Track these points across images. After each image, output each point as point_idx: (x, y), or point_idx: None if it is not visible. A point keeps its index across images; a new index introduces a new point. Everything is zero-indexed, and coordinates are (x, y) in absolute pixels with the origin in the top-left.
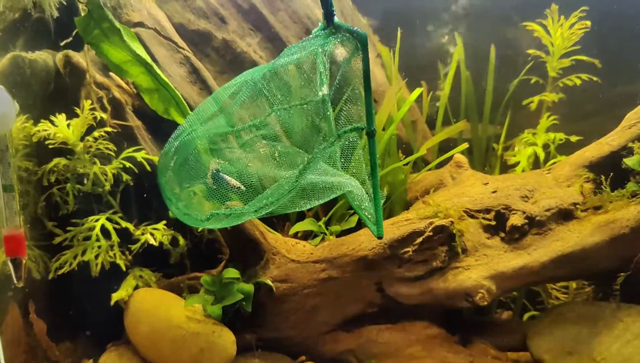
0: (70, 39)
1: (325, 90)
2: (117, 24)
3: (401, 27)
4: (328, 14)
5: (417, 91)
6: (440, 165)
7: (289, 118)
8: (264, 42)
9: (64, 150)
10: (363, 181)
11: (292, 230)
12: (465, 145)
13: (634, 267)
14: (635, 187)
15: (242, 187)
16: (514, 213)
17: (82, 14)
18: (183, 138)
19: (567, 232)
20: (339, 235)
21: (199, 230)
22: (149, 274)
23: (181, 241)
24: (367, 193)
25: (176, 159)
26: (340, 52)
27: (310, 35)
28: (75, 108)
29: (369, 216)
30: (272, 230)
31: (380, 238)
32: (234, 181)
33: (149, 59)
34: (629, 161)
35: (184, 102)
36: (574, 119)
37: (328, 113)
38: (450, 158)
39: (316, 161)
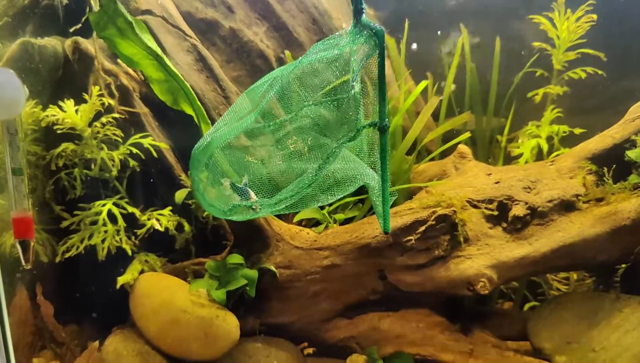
0: (80, 25)
1: (357, 87)
2: (130, 18)
3: (408, 18)
4: (357, 11)
5: (423, 84)
6: (443, 156)
7: (320, 114)
8: (271, 31)
9: (72, 135)
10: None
11: (297, 218)
12: (467, 134)
13: (634, 258)
14: (637, 179)
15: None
16: (517, 204)
17: (94, 5)
18: (217, 134)
19: (568, 223)
20: (343, 223)
21: (204, 215)
22: (154, 259)
23: (186, 227)
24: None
25: (209, 155)
26: (362, 50)
27: (337, 34)
28: (84, 94)
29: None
30: (276, 218)
31: (386, 233)
32: (253, 197)
33: (159, 51)
34: (631, 154)
35: (192, 92)
36: (578, 113)
37: (359, 109)
38: (454, 148)
39: (335, 155)
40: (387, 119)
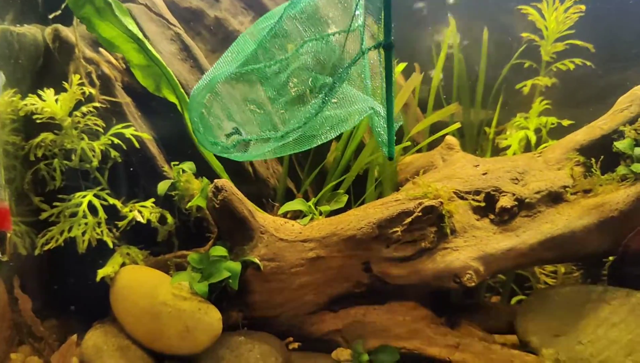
0: (59, 12)
1: (360, 20)
2: None
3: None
4: None
5: (401, 66)
6: (431, 148)
7: (322, 50)
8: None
9: (52, 125)
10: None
11: (282, 210)
12: (457, 125)
13: (622, 250)
14: (625, 171)
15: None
16: (504, 195)
17: None
18: (217, 71)
19: (556, 215)
20: (329, 215)
21: (187, 206)
22: (136, 251)
23: (169, 219)
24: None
25: (210, 92)
26: None
27: None
28: (64, 83)
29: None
30: (261, 210)
31: (390, 158)
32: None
33: (140, 35)
34: (619, 145)
35: (175, 79)
36: (566, 105)
37: (363, 37)
38: (441, 139)
39: (341, 80)
40: (392, 37)
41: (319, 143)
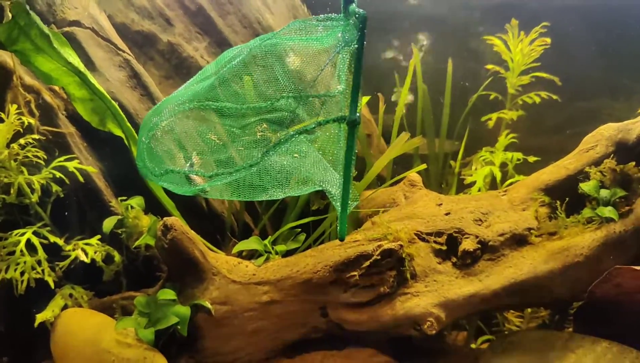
0: None
1: (341, 86)
2: (47, 30)
3: None
4: (347, 0)
5: (366, 98)
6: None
7: (298, 107)
8: (212, 46)
9: None
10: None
11: (236, 249)
12: (423, 166)
13: (587, 297)
14: (590, 213)
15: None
16: (467, 237)
17: (6, 15)
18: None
19: (520, 258)
20: (285, 254)
21: (134, 245)
22: (80, 292)
23: (117, 257)
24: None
25: (162, 121)
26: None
27: (321, 17)
28: (0, 113)
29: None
30: (214, 248)
31: (341, 239)
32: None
33: (82, 67)
34: (585, 187)
35: (121, 113)
36: (534, 134)
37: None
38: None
39: (283, 143)
40: (358, 113)
41: (263, 197)
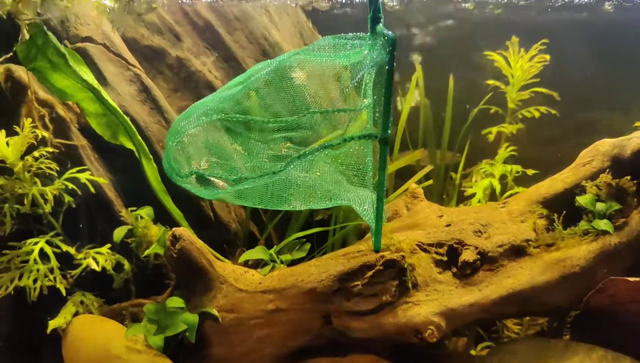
0: (12, 53)
1: (368, 100)
2: (63, 49)
3: None
4: (374, 19)
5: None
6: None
7: (322, 124)
8: (220, 61)
9: (3, 169)
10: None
11: (242, 258)
12: (429, 167)
13: (583, 307)
14: (587, 226)
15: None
16: (467, 248)
17: (23, 34)
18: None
19: (518, 269)
20: (290, 264)
21: (144, 254)
22: (91, 299)
23: (126, 265)
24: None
25: (190, 127)
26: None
27: (350, 35)
28: (15, 126)
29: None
30: (222, 257)
31: (376, 251)
32: (221, 184)
33: (96, 84)
34: (581, 200)
35: (132, 126)
36: (534, 145)
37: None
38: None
39: (308, 154)
40: (389, 131)
41: (286, 207)
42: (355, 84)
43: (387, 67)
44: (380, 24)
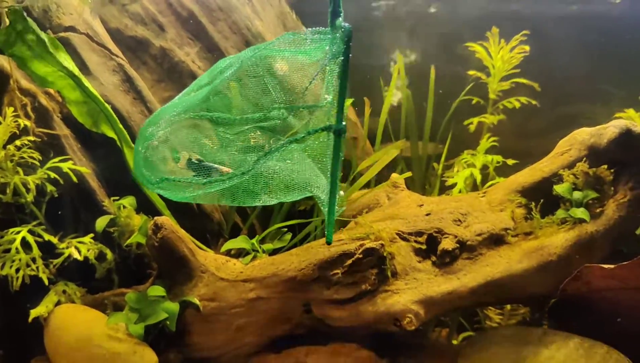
0: None
1: (330, 97)
2: (43, 35)
3: None
4: (334, 13)
5: (349, 101)
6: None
7: (289, 116)
8: (203, 52)
9: None
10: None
11: (224, 247)
12: (408, 174)
13: (560, 294)
14: (564, 214)
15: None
16: (446, 237)
17: (4, 21)
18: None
19: (497, 257)
20: (272, 253)
21: (126, 243)
22: (74, 289)
23: (109, 255)
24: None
25: (159, 131)
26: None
27: (309, 30)
28: None
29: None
30: (204, 247)
31: (328, 243)
32: (224, 169)
33: (76, 71)
34: (559, 188)
35: (114, 115)
36: (516, 137)
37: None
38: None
39: (274, 151)
40: (344, 123)
41: (256, 203)
42: (319, 78)
43: (342, 58)
44: (340, 18)
